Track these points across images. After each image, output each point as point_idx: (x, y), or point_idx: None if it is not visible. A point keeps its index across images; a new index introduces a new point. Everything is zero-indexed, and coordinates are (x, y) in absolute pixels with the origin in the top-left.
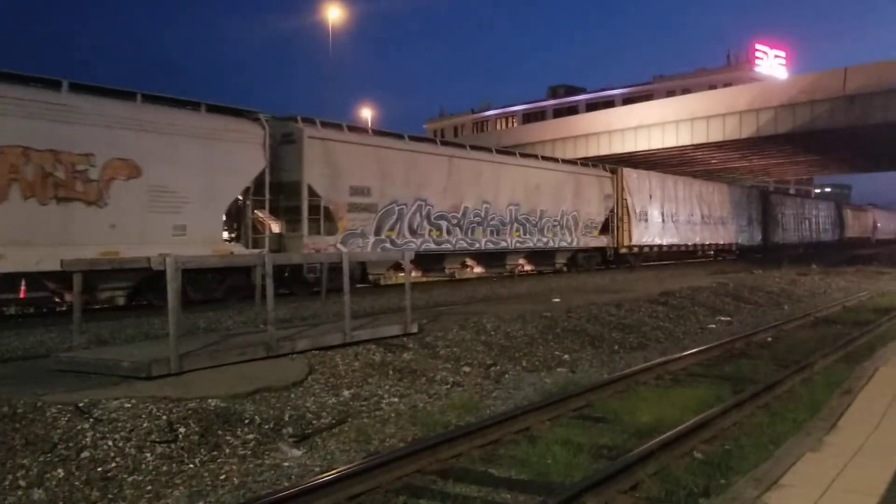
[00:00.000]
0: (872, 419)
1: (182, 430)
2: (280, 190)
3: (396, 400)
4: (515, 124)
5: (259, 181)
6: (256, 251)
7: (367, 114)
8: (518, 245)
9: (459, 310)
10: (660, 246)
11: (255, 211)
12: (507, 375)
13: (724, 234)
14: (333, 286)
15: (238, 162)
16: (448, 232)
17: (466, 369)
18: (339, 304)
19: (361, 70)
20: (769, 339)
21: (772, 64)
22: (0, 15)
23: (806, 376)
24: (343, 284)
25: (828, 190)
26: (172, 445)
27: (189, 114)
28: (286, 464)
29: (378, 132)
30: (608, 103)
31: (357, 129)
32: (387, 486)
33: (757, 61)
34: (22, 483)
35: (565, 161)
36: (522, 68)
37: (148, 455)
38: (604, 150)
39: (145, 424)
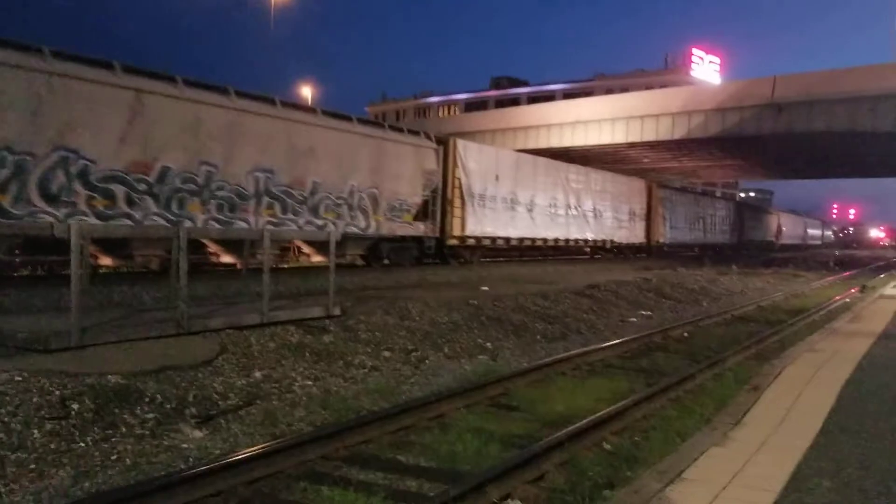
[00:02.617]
0: (777, 417)
1: (75, 406)
2: None
3: (310, 383)
4: (458, 112)
5: None
6: None
7: (307, 92)
8: (271, 227)
9: (387, 294)
10: (506, 239)
11: None
12: (427, 361)
13: (595, 229)
14: None
15: None
16: (129, 202)
17: (387, 354)
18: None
19: (306, 50)
20: (686, 334)
21: (707, 69)
22: None
23: (717, 372)
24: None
25: (752, 194)
26: (63, 422)
27: None
28: (185, 445)
29: None
30: (549, 97)
31: None
32: (288, 471)
33: (693, 65)
34: None
35: (362, 121)
36: (466, 59)
37: (35, 432)
38: (542, 144)
39: (35, 399)
